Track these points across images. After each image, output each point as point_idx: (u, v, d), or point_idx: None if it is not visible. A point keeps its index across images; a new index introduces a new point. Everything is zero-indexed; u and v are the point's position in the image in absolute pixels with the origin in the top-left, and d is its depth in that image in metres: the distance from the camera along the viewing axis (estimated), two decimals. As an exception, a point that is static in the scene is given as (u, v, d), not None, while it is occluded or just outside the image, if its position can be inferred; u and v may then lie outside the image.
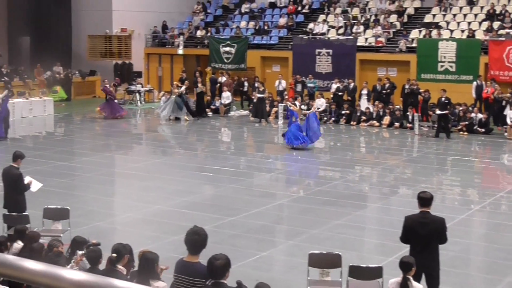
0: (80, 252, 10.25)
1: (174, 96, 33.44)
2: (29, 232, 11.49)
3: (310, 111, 27.56)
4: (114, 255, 8.97)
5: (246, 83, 38.39)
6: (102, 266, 9.50)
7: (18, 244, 11.33)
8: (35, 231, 11.84)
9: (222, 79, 37.93)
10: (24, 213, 13.62)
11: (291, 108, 27.19)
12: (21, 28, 43.49)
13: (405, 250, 11.19)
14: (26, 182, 13.99)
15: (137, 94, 39.44)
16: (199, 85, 35.04)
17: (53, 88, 40.25)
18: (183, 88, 33.73)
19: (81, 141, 28.34)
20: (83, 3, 44.70)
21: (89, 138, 29.18)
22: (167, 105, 33.68)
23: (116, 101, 34.99)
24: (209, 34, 43.77)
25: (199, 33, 44.99)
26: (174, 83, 35.29)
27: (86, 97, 42.84)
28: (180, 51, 44.12)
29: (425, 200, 10.41)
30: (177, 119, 33.34)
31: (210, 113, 35.44)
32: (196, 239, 7.47)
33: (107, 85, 34.92)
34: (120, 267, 8.94)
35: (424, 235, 10.22)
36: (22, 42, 44.38)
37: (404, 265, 9.33)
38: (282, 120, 32.84)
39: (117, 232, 15.80)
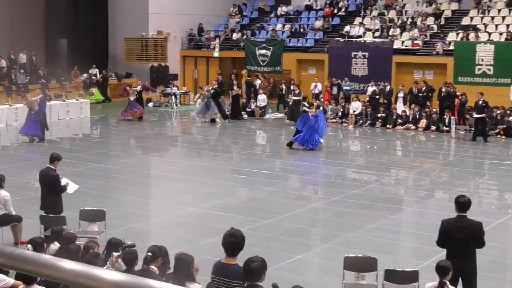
0: (116, 254, 10.32)
1: (205, 100, 33.59)
2: (65, 234, 11.59)
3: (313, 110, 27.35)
4: (150, 254, 9.06)
5: (283, 86, 38.36)
6: (138, 267, 9.57)
7: (55, 245, 11.45)
8: (71, 233, 11.95)
9: (257, 82, 37.94)
10: (60, 215, 13.73)
11: (311, 113, 26.78)
12: (58, 31, 43.90)
13: (441, 254, 11.13)
14: (62, 183, 14.11)
15: (172, 97, 39.63)
16: (235, 87, 35.12)
17: (90, 90, 40.60)
18: (208, 88, 33.92)
19: (117, 143, 28.52)
20: (119, 6, 45.02)
21: (125, 140, 29.35)
22: (199, 107, 34.00)
23: (132, 99, 34.64)
24: (245, 36, 43.87)
25: (235, 35, 45.11)
26: (204, 87, 35.21)
27: (122, 99, 43.06)
28: (216, 53, 44.25)
29: (464, 205, 10.31)
30: (212, 121, 33.42)
31: (245, 116, 35.49)
32: (233, 241, 7.50)
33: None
34: (153, 267, 9.01)
35: (461, 239, 10.13)
36: (59, 45, 44.81)
37: (440, 269, 9.27)
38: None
39: (152, 234, 15.87)
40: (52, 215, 13.65)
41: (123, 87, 36.14)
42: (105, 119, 35.42)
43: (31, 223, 14.50)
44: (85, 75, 41.79)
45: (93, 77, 41.79)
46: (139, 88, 35.10)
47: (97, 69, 42.34)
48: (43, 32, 43.98)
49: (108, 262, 10.30)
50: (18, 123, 31.48)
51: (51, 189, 14.05)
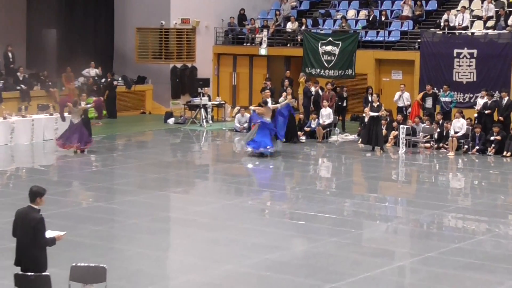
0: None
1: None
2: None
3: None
4: None
5: (345, 94, 38.17)
6: None
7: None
8: (58, 298, 11.91)
9: (318, 90, 37.66)
10: (44, 273, 13.70)
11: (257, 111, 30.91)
12: (45, 18, 43.98)
13: None
14: (49, 236, 14.04)
15: (202, 110, 39.60)
16: (289, 98, 35.02)
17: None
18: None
19: (125, 173, 28.63)
20: (130, -16, 45.45)
21: (135, 170, 29.44)
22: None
23: (76, 121, 31.71)
24: (303, 27, 43.89)
25: (290, 26, 45.17)
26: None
27: (132, 113, 43.28)
28: (263, 50, 44.34)
29: None
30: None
31: (303, 138, 35.41)
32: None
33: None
34: None
35: None
36: (46, 37, 44.93)
37: None
38: (404, 148, 32.59)
39: (172, 301, 15.86)
40: (32, 273, 13.63)
41: (61, 99, 34.16)
42: (109, 140, 35.50)
43: (1, 285, 14.51)
44: (81, 79, 41.98)
45: (90, 79, 41.94)
46: (89, 105, 33.31)
47: (96, 69, 42.48)
48: (24, 18, 44.17)
49: None
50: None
51: (32, 237, 14.01)
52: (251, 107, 32.52)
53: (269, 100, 31.62)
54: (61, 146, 31.44)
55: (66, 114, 32.38)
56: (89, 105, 33.47)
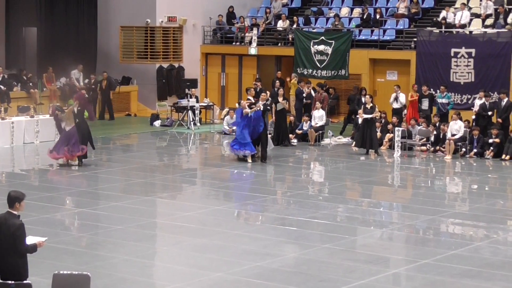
0: None
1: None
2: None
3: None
4: None
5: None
6: None
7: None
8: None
9: (311, 91, 37.69)
10: (25, 281, 13.70)
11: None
12: (25, 16, 43.85)
13: None
14: (30, 242, 14.04)
15: (189, 112, 39.57)
16: (280, 99, 34.98)
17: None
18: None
19: (109, 178, 28.61)
20: (114, -19, 45.40)
21: (120, 174, 29.41)
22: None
23: (68, 127, 30.34)
24: (295, 26, 43.89)
25: (281, 24, 45.16)
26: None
27: (117, 115, 43.18)
28: (253, 50, 44.32)
29: None
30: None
31: (294, 141, 35.40)
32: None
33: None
34: None
35: None
36: (26, 36, 44.87)
37: None
38: (400, 151, 32.65)
39: (158, 310, 15.88)
40: (12, 282, 13.64)
41: (52, 108, 33.29)
42: (94, 143, 35.39)
43: (-18, 294, 14.55)
44: (63, 80, 41.89)
45: (76, 83, 41.83)
46: (76, 105, 30.81)
47: (81, 73, 42.44)
48: (3, 18, 44.00)
49: None
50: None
51: (11, 244, 14.01)
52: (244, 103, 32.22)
53: (261, 102, 31.60)
54: (53, 157, 30.24)
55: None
56: (73, 105, 32.57)
